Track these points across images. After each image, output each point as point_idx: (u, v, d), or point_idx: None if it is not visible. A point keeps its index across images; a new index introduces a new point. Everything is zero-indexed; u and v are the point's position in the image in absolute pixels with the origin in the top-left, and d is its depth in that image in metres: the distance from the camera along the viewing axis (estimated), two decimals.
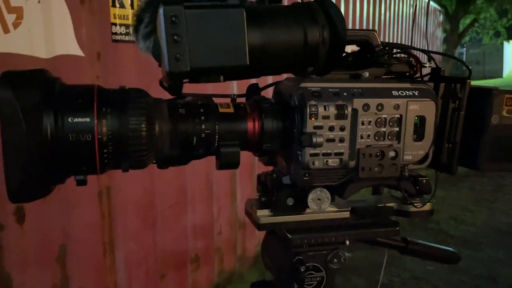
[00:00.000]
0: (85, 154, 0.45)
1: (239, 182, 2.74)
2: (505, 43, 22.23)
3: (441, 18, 10.29)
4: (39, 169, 0.43)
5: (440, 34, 10.55)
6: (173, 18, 0.42)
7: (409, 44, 0.61)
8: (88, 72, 1.65)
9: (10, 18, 1.41)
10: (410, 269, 2.92)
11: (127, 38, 1.80)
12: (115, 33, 1.75)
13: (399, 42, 6.15)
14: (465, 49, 23.13)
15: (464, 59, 15.49)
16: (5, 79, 0.41)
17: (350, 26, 4.41)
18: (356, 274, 2.84)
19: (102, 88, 0.47)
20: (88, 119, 0.44)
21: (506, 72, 22.81)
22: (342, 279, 2.77)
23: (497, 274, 2.84)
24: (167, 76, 0.45)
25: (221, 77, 0.45)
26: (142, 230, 2.01)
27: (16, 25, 1.43)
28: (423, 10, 7.94)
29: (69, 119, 0.44)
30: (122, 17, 1.77)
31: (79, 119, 0.44)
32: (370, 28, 5.00)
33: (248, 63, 0.44)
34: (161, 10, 0.42)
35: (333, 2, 0.48)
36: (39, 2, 1.48)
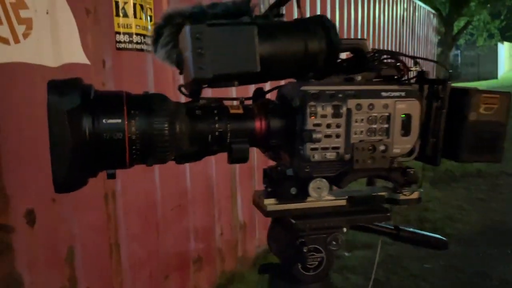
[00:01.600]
0: (117, 150, 0.52)
1: (239, 185, 2.80)
2: (499, 44, 22.44)
3: (434, 21, 10.41)
4: (79, 163, 0.50)
5: (434, 37, 10.67)
6: (198, 35, 0.50)
7: (398, 48, 0.69)
8: (94, 79, 1.71)
9: (20, 29, 1.47)
10: (407, 267, 2.98)
11: (130, 46, 1.87)
12: (119, 42, 1.82)
13: (392, 44, 6.26)
14: (459, 51, 23.32)
15: (459, 61, 15.57)
16: (51, 87, 0.49)
17: (345, 32, 4.51)
18: (355, 273, 2.90)
19: (129, 94, 0.55)
20: (119, 120, 0.52)
21: (500, 73, 23.01)
22: (341, 278, 2.83)
23: (491, 271, 2.91)
24: (192, 82, 0.52)
25: (236, 82, 0.53)
26: (146, 232, 2.07)
27: (26, 35, 1.49)
28: (417, 14, 8.06)
29: (104, 121, 0.51)
30: (126, 26, 1.84)
31: (112, 120, 0.51)
32: (365, 31, 5.10)
33: (259, 70, 0.53)
34: (187, 28, 0.50)
35: (329, 19, 0.56)
36: (47, 13, 1.54)
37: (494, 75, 21.83)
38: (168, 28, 0.58)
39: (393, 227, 0.78)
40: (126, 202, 1.93)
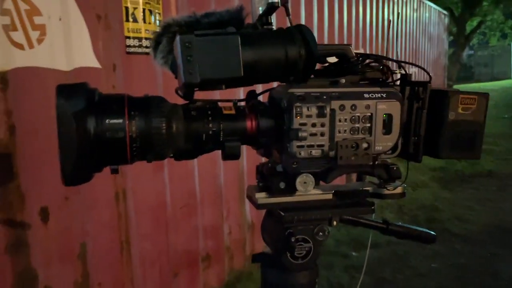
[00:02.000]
0: (119, 148, 0.58)
1: (246, 185, 2.84)
2: None
3: (446, 21, 10.35)
4: (85, 159, 0.56)
5: (446, 37, 10.60)
6: (187, 44, 0.56)
7: (409, 48, 0.74)
8: (105, 83, 1.78)
9: (34, 35, 1.54)
10: (414, 266, 3.00)
11: (139, 50, 1.93)
12: (129, 46, 1.88)
13: (404, 45, 6.25)
14: (473, 51, 23.08)
15: (472, 62, 15.42)
16: (59, 90, 0.55)
17: (353, 32, 4.53)
18: (362, 272, 2.92)
19: (130, 96, 0.60)
20: (121, 121, 0.57)
21: None
22: (348, 277, 2.86)
23: (500, 270, 2.91)
24: (183, 86, 0.58)
25: (223, 86, 0.59)
26: (156, 230, 2.11)
27: (39, 41, 1.56)
28: (427, 14, 8.03)
29: (106, 121, 0.57)
30: (135, 31, 1.90)
31: (114, 120, 0.57)
32: (374, 31, 5.12)
33: (242, 74, 0.58)
34: (178, 38, 0.56)
35: (308, 28, 0.62)
36: (60, 19, 1.61)
37: (508, 75, 21.55)
38: (165, 36, 0.63)
39: (382, 221, 0.82)
40: (136, 201, 1.98)
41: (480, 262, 3.03)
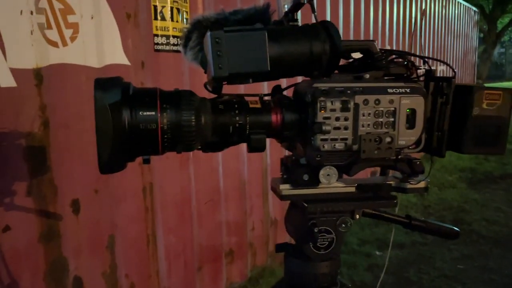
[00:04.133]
0: (151, 138, 0.61)
1: (270, 182, 2.86)
2: None
3: (476, 18, 10.10)
4: (120, 149, 0.60)
5: (475, 34, 10.35)
6: (217, 40, 0.58)
7: (412, 49, 0.74)
8: (134, 79, 1.82)
9: (67, 33, 1.60)
10: (439, 268, 2.96)
11: (167, 48, 1.97)
12: (157, 44, 1.93)
13: (431, 42, 6.14)
14: (504, 49, 22.43)
15: (504, 59, 15.01)
16: (97, 84, 0.59)
17: (380, 29, 4.49)
18: (386, 272, 2.91)
19: (162, 90, 0.64)
20: (153, 113, 0.61)
21: None
22: (372, 276, 2.85)
23: None
24: (212, 80, 0.61)
25: (250, 80, 0.61)
26: (181, 224, 2.15)
27: (72, 39, 1.61)
28: (456, 11, 7.85)
29: (140, 113, 0.60)
30: (163, 29, 1.94)
31: (147, 112, 0.60)
32: (401, 28, 5.05)
33: (269, 69, 0.60)
34: (208, 34, 0.59)
35: (333, 24, 0.63)
36: (92, 18, 1.66)
37: None
38: (195, 33, 0.66)
39: (404, 216, 0.83)
40: (162, 196, 2.03)
41: (508, 265, 2.96)
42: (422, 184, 0.73)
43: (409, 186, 0.73)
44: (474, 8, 10.10)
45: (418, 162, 0.71)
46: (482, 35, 14.26)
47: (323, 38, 0.62)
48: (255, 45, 0.60)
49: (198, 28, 0.66)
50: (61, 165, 1.59)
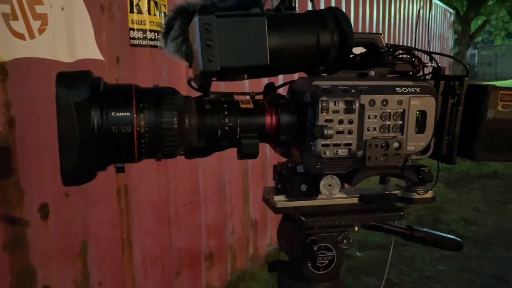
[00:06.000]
0: (126, 144, 0.52)
1: (251, 182, 2.80)
2: None
3: (451, 19, 10.27)
4: (88, 156, 0.50)
5: (451, 35, 10.51)
6: (207, 26, 0.49)
7: (413, 45, 0.67)
8: (108, 75, 1.72)
9: (35, 25, 1.49)
10: (420, 269, 2.95)
11: (144, 42, 1.87)
12: (133, 38, 1.83)
13: (407, 42, 6.18)
14: (476, 50, 22.96)
15: (476, 61, 15.39)
16: (60, 79, 0.49)
17: (360, 28, 4.47)
18: (367, 274, 2.88)
19: (138, 87, 0.54)
20: (128, 114, 0.51)
21: None
22: (352, 278, 2.81)
23: (507, 274, 2.85)
24: (201, 75, 0.51)
25: (245, 75, 0.52)
26: (158, 228, 2.07)
27: (41, 31, 1.50)
28: (433, 11, 7.95)
29: (112, 113, 0.50)
30: (140, 23, 1.84)
31: (121, 113, 0.51)
32: (380, 29, 5.05)
33: (268, 62, 0.51)
34: (196, 19, 0.49)
35: (342, 10, 0.55)
36: (62, 9, 1.55)
37: (511, 75, 21.43)
38: (178, 21, 0.57)
39: (406, 227, 0.76)
40: (138, 198, 1.94)
41: (488, 265, 2.97)
42: (429, 194, 0.66)
43: (416, 196, 0.66)
44: (450, 10, 10.26)
45: (426, 170, 0.64)
46: (456, 36, 14.53)
47: (332, 28, 0.54)
48: (252, 33, 0.50)
49: (181, 15, 0.57)
50: (28, 167, 1.48)
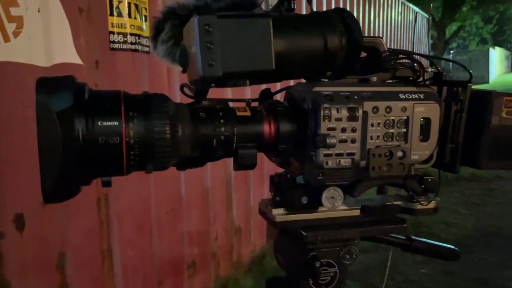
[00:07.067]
0: (113, 156, 0.47)
1: (234, 189, 2.76)
2: (491, 49, 22.56)
3: (427, 25, 10.48)
4: (71, 170, 0.45)
5: (428, 40, 10.72)
6: (207, 27, 0.44)
7: (413, 48, 0.65)
8: (87, 80, 1.63)
9: (10, 27, 1.42)
10: (403, 272, 2.95)
11: (124, 46, 1.82)
12: (113, 42, 1.77)
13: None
14: (451, 55, 23.46)
15: (450, 65, 15.78)
16: (40, 85, 0.44)
17: None
18: (351, 279, 2.86)
19: (127, 94, 0.50)
20: (116, 123, 0.46)
21: (492, 77, 23.13)
22: None
23: (488, 276, 2.89)
24: (199, 81, 0.47)
25: (247, 81, 0.48)
26: (139, 237, 2.02)
27: (16, 34, 1.44)
28: (411, 17, 8.09)
29: (99, 123, 0.46)
30: (120, 26, 1.79)
31: (108, 122, 0.46)
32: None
33: (274, 67, 0.48)
34: (195, 19, 0.45)
35: (349, 11, 0.52)
36: (38, 11, 1.49)
37: (485, 80, 21.94)
38: (168, 23, 0.53)
39: (405, 238, 0.74)
40: (119, 207, 1.88)
41: (469, 268, 3.00)
42: (432, 205, 0.64)
43: (418, 207, 0.63)
44: (426, 15, 10.46)
45: (430, 180, 0.61)
46: (432, 41, 14.84)
47: (340, 31, 0.50)
48: (256, 36, 0.46)
49: (172, 17, 0.53)
50: (2, 176, 1.41)
